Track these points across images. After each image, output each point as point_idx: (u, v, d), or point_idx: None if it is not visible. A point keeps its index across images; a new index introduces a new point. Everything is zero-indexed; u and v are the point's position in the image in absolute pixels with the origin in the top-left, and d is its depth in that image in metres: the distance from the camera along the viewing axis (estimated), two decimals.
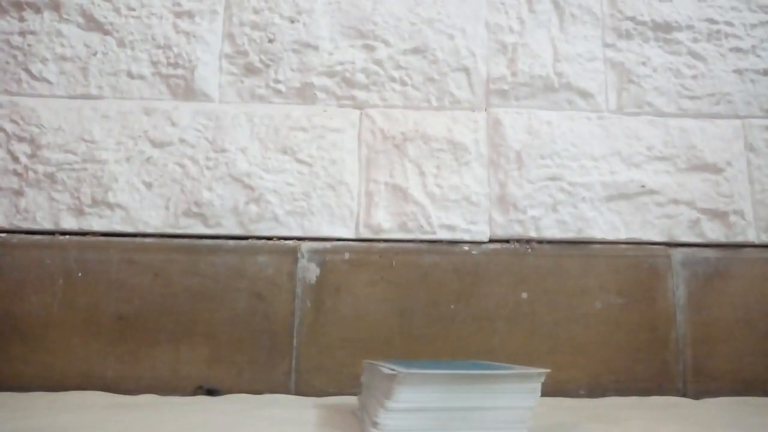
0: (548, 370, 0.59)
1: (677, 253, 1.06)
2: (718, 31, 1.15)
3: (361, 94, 1.09)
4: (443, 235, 1.05)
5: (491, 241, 1.05)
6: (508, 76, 1.12)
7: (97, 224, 1.01)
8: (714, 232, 1.07)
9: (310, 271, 1.00)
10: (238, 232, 1.02)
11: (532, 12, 1.14)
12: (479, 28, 1.13)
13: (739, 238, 1.07)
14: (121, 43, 1.07)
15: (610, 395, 0.99)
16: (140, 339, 0.96)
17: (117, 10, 1.08)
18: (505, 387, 0.58)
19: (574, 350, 1.01)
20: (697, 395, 0.99)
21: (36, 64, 1.06)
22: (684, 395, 1.00)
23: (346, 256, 1.02)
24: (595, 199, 1.07)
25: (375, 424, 0.58)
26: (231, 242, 1.01)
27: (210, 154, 1.04)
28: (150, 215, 1.02)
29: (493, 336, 1.00)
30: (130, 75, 1.07)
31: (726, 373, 1.01)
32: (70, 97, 1.05)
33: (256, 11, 1.10)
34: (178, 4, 1.09)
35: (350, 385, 0.95)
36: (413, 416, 0.57)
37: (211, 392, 0.94)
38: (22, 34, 1.06)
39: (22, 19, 1.07)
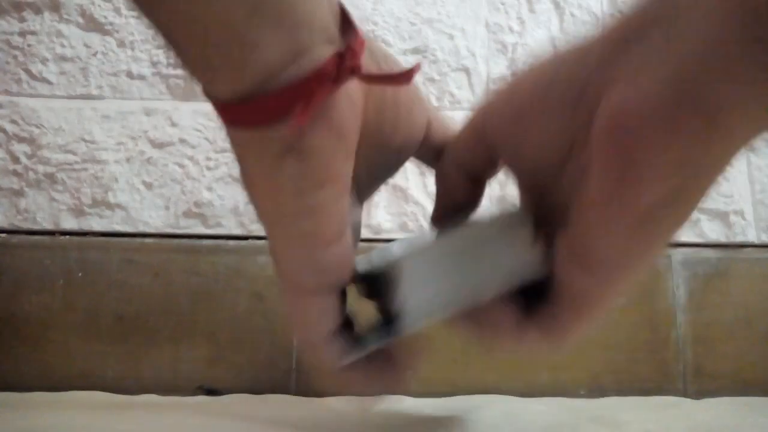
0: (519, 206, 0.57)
1: (677, 253, 1.06)
2: None
3: None
4: None
5: None
6: (508, 76, 1.11)
7: (97, 224, 1.01)
8: (714, 232, 1.07)
9: None
10: (238, 232, 1.02)
11: (532, 12, 1.14)
12: (479, 28, 1.13)
13: (739, 238, 1.07)
14: (121, 44, 1.07)
15: (611, 395, 0.99)
16: (140, 339, 0.96)
17: (117, 11, 1.08)
18: (496, 231, 0.55)
19: (574, 350, 1.00)
20: (698, 395, 0.99)
21: (36, 64, 1.06)
22: (684, 395, 1.00)
23: None
24: None
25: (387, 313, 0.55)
26: (231, 242, 1.01)
27: (210, 155, 1.04)
28: (150, 215, 1.02)
29: None
30: (130, 75, 1.07)
31: (726, 373, 1.01)
32: (70, 98, 1.05)
33: None
34: None
35: None
36: (422, 286, 0.54)
37: (211, 392, 0.94)
38: (22, 34, 1.06)
39: (22, 19, 1.07)
